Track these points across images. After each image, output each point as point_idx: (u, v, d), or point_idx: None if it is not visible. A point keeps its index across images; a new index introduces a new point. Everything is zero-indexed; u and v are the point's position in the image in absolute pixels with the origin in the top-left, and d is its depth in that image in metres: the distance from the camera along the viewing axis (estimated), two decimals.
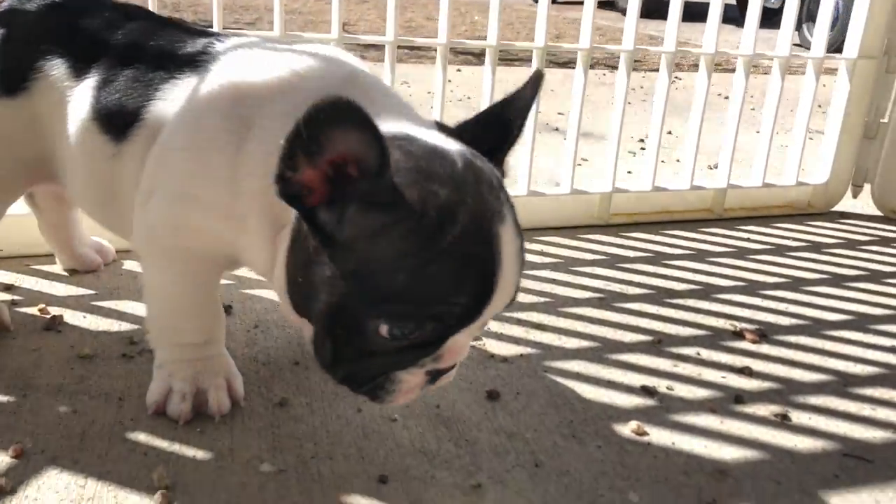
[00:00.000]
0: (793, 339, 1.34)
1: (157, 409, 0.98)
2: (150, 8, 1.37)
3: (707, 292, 1.51)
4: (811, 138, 2.26)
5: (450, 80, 3.60)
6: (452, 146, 0.81)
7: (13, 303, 1.23)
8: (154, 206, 0.93)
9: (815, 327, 1.39)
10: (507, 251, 0.77)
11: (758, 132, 2.05)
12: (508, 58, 4.62)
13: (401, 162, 0.75)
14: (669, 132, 2.75)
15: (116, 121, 0.98)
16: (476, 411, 1.05)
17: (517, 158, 1.75)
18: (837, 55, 1.98)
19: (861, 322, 1.42)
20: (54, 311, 1.22)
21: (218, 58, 0.95)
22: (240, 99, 0.89)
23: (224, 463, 0.91)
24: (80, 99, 1.01)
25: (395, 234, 0.73)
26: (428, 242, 0.73)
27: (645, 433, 1.03)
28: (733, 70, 2.02)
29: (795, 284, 1.58)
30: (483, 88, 1.67)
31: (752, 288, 1.54)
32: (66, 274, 1.36)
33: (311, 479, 0.89)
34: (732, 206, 1.99)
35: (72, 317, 1.21)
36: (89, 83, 1.01)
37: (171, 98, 0.95)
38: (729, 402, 1.13)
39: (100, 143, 0.99)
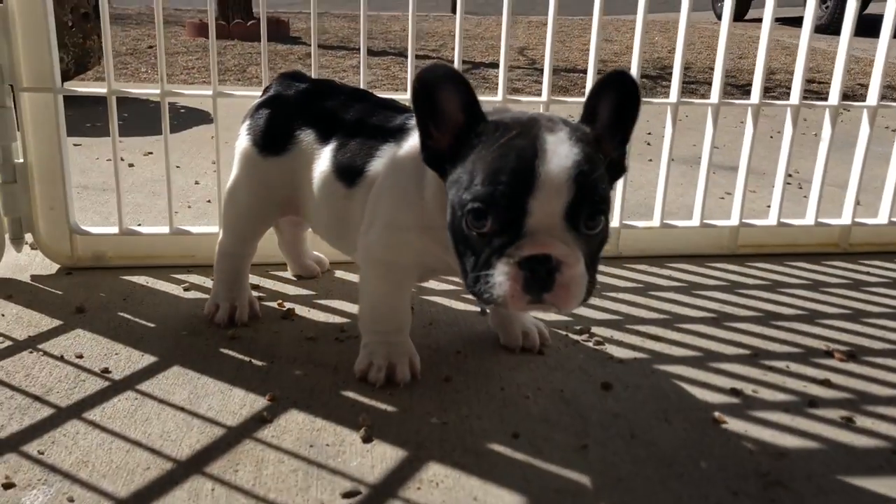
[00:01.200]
0: (880, 360, 1.55)
1: (361, 376, 1.39)
2: (361, 35, 1.81)
3: (812, 317, 1.74)
4: None
5: None
6: (554, 120, 1.13)
7: (259, 298, 1.70)
8: (373, 231, 1.34)
9: None
10: (553, 149, 1.04)
11: None
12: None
13: (496, 117, 1.13)
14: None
15: (348, 173, 1.41)
16: (591, 396, 1.38)
17: (656, 190, 2.03)
18: None
19: None
20: (288, 305, 1.68)
21: (409, 131, 1.36)
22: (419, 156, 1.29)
23: (406, 416, 1.30)
24: (324, 158, 1.44)
25: (475, 153, 1.10)
26: (489, 147, 1.08)
27: (724, 421, 1.32)
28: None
29: None
30: None
31: (856, 316, 1.75)
32: (294, 279, 1.83)
33: (465, 431, 1.26)
34: (859, 242, 2.16)
35: (300, 310, 1.66)
36: (330, 147, 1.44)
37: (383, 158, 1.36)
38: (804, 405, 1.38)
39: (337, 188, 1.42)
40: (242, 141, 1.55)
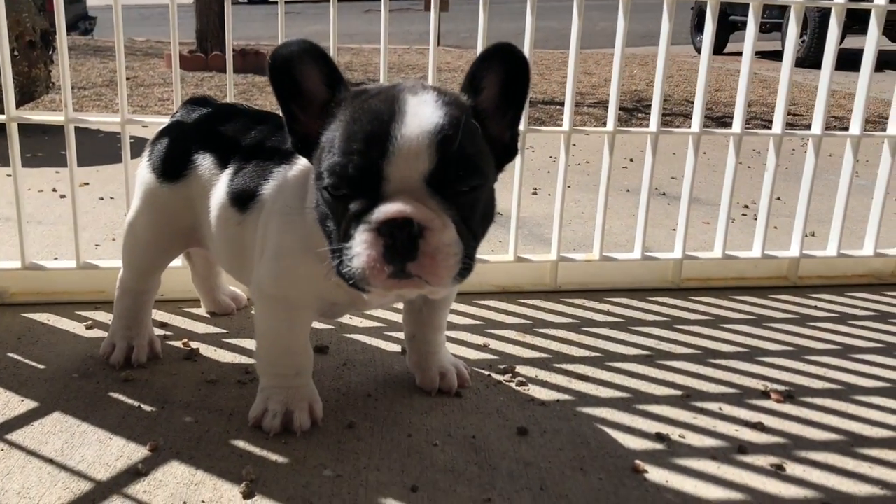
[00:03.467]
0: (818, 401, 1.46)
1: (254, 423, 1.28)
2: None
3: (752, 355, 1.65)
4: None
5: (574, 144, 3.83)
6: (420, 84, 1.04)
7: (165, 337, 1.60)
8: (262, 263, 1.24)
9: (846, 392, 1.50)
10: (413, 111, 0.96)
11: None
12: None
13: (363, 90, 1.04)
14: (779, 198, 2.85)
15: (241, 198, 1.31)
16: (504, 443, 1.28)
17: (595, 223, 1.95)
18: None
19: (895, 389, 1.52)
20: (194, 344, 1.57)
21: None
22: (307, 176, 1.20)
23: (297, 467, 1.19)
24: (220, 184, 1.35)
25: (334, 121, 1.02)
26: (346, 112, 1.01)
27: (645, 470, 1.22)
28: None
29: (844, 352, 1.68)
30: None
31: (798, 353, 1.67)
32: (207, 316, 1.73)
33: (359, 484, 1.16)
34: (808, 275, 2.09)
35: (206, 350, 1.56)
36: (227, 172, 1.35)
37: (275, 180, 1.27)
38: (732, 451, 1.29)
39: (231, 215, 1.33)
40: (142, 169, 1.47)
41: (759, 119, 5.29)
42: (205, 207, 1.38)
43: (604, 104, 5.88)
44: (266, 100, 5.58)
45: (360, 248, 0.97)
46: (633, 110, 5.70)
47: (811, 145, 2.02)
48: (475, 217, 1.04)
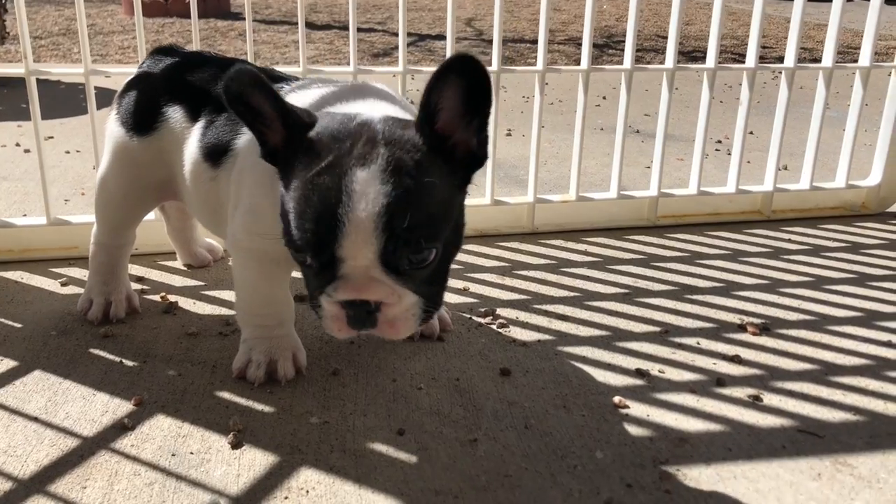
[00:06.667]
0: (793, 332, 1.49)
1: (238, 374, 1.28)
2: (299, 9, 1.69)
3: (728, 289, 1.67)
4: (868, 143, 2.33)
5: (546, 83, 3.81)
6: (375, 115, 1.01)
7: (142, 291, 1.58)
8: (236, 216, 1.23)
9: (820, 322, 1.53)
10: (362, 190, 0.92)
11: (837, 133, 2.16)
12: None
13: (321, 124, 1.01)
14: (751, 132, 2.86)
15: (214, 152, 1.29)
16: (488, 384, 1.30)
17: (569, 163, 1.94)
18: (885, 64, 2.06)
19: (868, 319, 1.55)
20: (172, 298, 1.56)
21: None
22: None
23: (283, 416, 1.20)
24: (192, 137, 1.32)
25: (293, 182, 0.99)
26: (301, 179, 0.97)
27: (626, 406, 1.24)
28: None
29: (818, 283, 1.71)
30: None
31: (773, 286, 1.69)
32: (184, 269, 1.71)
33: (346, 430, 1.17)
34: (782, 208, 2.11)
35: (185, 303, 1.55)
36: (198, 125, 1.32)
37: (247, 134, 1.25)
38: (711, 384, 1.31)
39: (204, 169, 1.31)
40: (111, 123, 1.43)
41: (729, 52, 5.27)
42: (178, 161, 1.35)
43: (574, 41, 5.82)
44: (229, 45, 5.45)
45: (326, 315, 1.02)
46: (604, 46, 5.65)
47: (784, 78, 2.02)
48: (438, 273, 1.03)
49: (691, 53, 5.28)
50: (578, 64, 1.94)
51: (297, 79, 1.36)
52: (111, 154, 1.43)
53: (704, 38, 6.16)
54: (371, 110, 1.08)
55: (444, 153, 1.00)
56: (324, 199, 0.94)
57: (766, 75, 4.17)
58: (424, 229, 0.95)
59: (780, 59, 5.41)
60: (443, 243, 1.00)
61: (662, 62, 5.19)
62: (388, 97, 1.21)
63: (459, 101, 0.96)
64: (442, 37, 5.87)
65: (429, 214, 0.96)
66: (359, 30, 6.24)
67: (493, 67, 1.83)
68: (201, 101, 1.33)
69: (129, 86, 1.44)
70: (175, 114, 1.36)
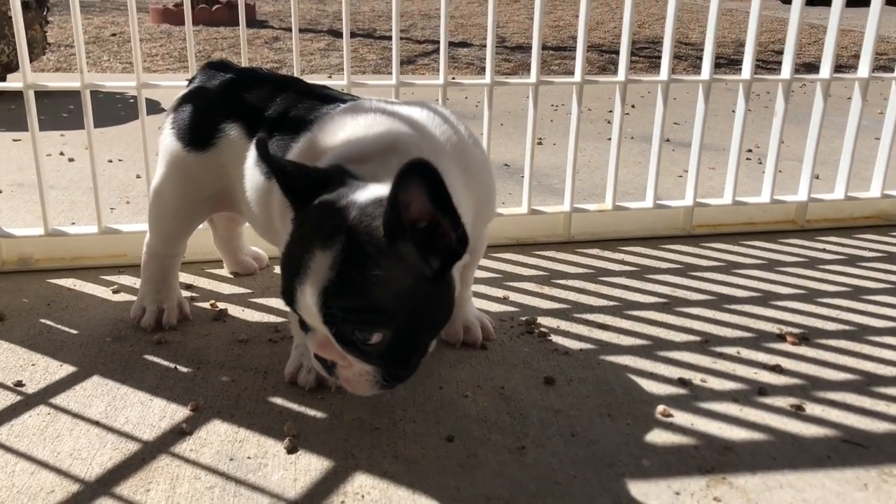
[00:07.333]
0: (833, 342, 1.50)
1: (290, 379, 1.32)
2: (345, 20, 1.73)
3: (765, 299, 1.69)
4: None
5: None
6: (361, 199, 1.04)
7: (192, 299, 1.63)
8: (282, 231, 1.27)
9: (859, 333, 1.54)
10: (315, 270, 1.00)
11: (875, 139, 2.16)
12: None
13: (320, 198, 1.08)
14: (782, 141, 2.86)
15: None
16: (533, 392, 1.32)
17: (606, 171, 1.96)
18: None
19: None
20: (221, 305, 1.60)
21: (316, 122, 1.28)
22: (312, 152, 1.23)
23: (335, 421, 1.23)
24: (250, 153, 1.36)
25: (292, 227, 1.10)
26: (290, 235, 1.09)
27: (670, 415, 1.26)
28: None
29: (855, 293, 1.72)
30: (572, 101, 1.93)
31: (810, 296, 1.71)
32: (230, 276, 1.75)
33: (397, 436, 1.20)
34: (816, 218, 2.12)
35: (233, 310, 1.59)
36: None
37: (296, 150, 1.28)
38: (753, 394, 1.33)
39: (260, 182, 1.35)
40: (166, 136, 1.47)
41: (757, 60, 5.26)
42: (237, 174, 1.39)
43: (597, 48, 5.83)
44: (255, 52, 5.53)
45: (317, 366, 1.14)
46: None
47: (819, 89, 2.03)
48: (397, 351, 1.06)
49: (716, 60, 5.27)
50: (606, 73, 1.96)
51: (351, 97, 1.39)
52: (166, 167, 1.47)
53: (727, 45, 6.16)
54: (381, 171, 1.10)
55: (417, 242, 1.01)
56: (292, 266, 1.05)
57: (793, 84, 4.17)
58: (365, 314, 1.01)
59: (806, 66, 5.42)
60: (396, 328, 1.03)
61: (686, 69, 5.21)
62: (418, 145, 1.19)
63: (425, 199, 0.97)
64: (464, 44, 5.91)
65: (371, 302, 1.00)
66: (379, 37, 6.32)
67: (486, 80, 1.86)
68: (257, 118, 1.37)
69: (185, 100, 1.48)
70: (233, 130, 1.40)
